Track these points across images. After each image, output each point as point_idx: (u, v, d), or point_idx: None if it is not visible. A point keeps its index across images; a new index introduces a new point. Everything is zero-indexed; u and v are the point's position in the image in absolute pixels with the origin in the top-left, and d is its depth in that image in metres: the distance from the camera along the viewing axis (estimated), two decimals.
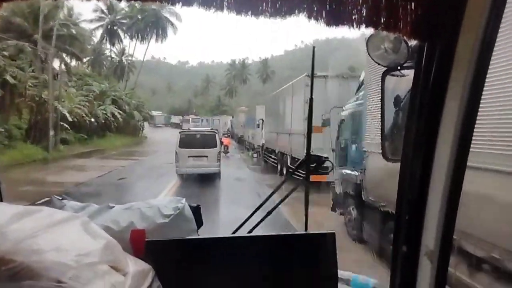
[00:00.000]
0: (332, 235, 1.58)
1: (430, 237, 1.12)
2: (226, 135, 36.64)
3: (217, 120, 56.80)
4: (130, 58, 65.30)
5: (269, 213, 1.73)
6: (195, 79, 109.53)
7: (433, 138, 1.08)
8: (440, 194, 1.08)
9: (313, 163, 1.84)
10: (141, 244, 1.47)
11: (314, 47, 2.03)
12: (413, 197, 1.15)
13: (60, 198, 1.61)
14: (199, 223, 1.69)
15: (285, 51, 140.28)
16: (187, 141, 14.97)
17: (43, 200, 6.04)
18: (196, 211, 1.69)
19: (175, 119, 74.17)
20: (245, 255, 1.55)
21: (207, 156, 14.85)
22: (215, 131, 16.97)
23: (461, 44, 0.98)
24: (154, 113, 73.04)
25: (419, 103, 1.10)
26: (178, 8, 0.99)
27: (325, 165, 1.92)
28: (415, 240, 1.15)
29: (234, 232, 1.74)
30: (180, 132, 16.13)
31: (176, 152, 14.80)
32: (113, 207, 1.63)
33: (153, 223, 1.55)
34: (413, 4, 0.97)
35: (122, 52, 63.37)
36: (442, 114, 1.05)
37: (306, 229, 1.75)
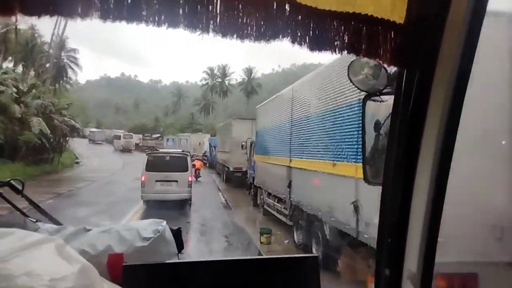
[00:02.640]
0: (315, 258, 1.56)
1: (412, 260, 1.12)
2: (203, 161, 27.22)
3: (184, 140, 43.07)
4: (72, 54, 47.30)
5: None
6: (167, 98, 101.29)
7: (413, 162, 1.11)
8: (422, 217, 1.09)
9: None
10: (118, 269, 1.42)
11: None
12: (394, 220, 1.16)
13: (34, 220, 1.55)
14: (180, 247, 1.65)
15: (262, 74, 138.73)
16: (155, 164, 13.50)
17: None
18: (177, 234, 1.65)
19: (134, 139, 57.82)
20: (227, 279, 1.51)
21: (176, 181, 13.46)
22: (187, 153, 15.21)
23: (438, 72, 1.02)
24: (92, 129, 65.46)
25: (399, 128, 1.13)
26: (163, 29, 0.99)
27: None
28: (398, 264, 1.15)
29: None
30: (147, 154, 14.49)
31: (142, 176, 13.38)
32: (90, 229, 1.58)
33: (131, 247, 1.50)
34: (392, 33, 1.01)
35: (61, 46, 45.42)
36: (421, 139, 1.08)
37: None
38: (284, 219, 10.21)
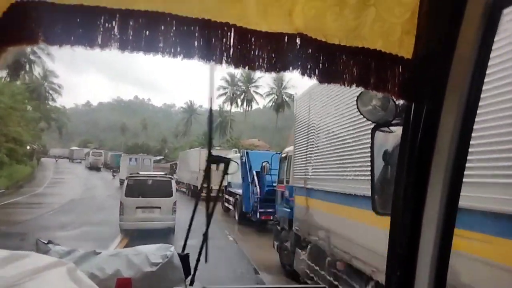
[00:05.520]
0: None
1: None
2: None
3: (148, 160, 35.90)
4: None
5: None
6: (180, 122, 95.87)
7: (422, 193, 1.11)
8: (431, 250, 1.08)
9: (214, 163, 1.64)
10: None
11: None
12: (403, 252, 1.15)
13: (46, 242, 1.57)
14: (187, 272, 1.64)
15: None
16: (135, 189, 12.33)
17: None
18: (185, 259, 1.65)
19: (125, 159, 42.63)
20: None
21: (159, 208, 12.30)
22: (171, 176, 13.94)
23: (446, 106, 1.04)
24: (72, 147, 68.08)
25: (407, 159, 1.14)
26: (179, 60, 1.03)
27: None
28: None
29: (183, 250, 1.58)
30: (127, 178, 13.14)
31: (121, 202, 12.15)
32: (100, 253, 1.59)
33: (140, 271, 1.51)
34: (400, 67, 1.03)
35: None
36: (430, 171, 1.09)
37: (206, 259, 1.49)
38: None
